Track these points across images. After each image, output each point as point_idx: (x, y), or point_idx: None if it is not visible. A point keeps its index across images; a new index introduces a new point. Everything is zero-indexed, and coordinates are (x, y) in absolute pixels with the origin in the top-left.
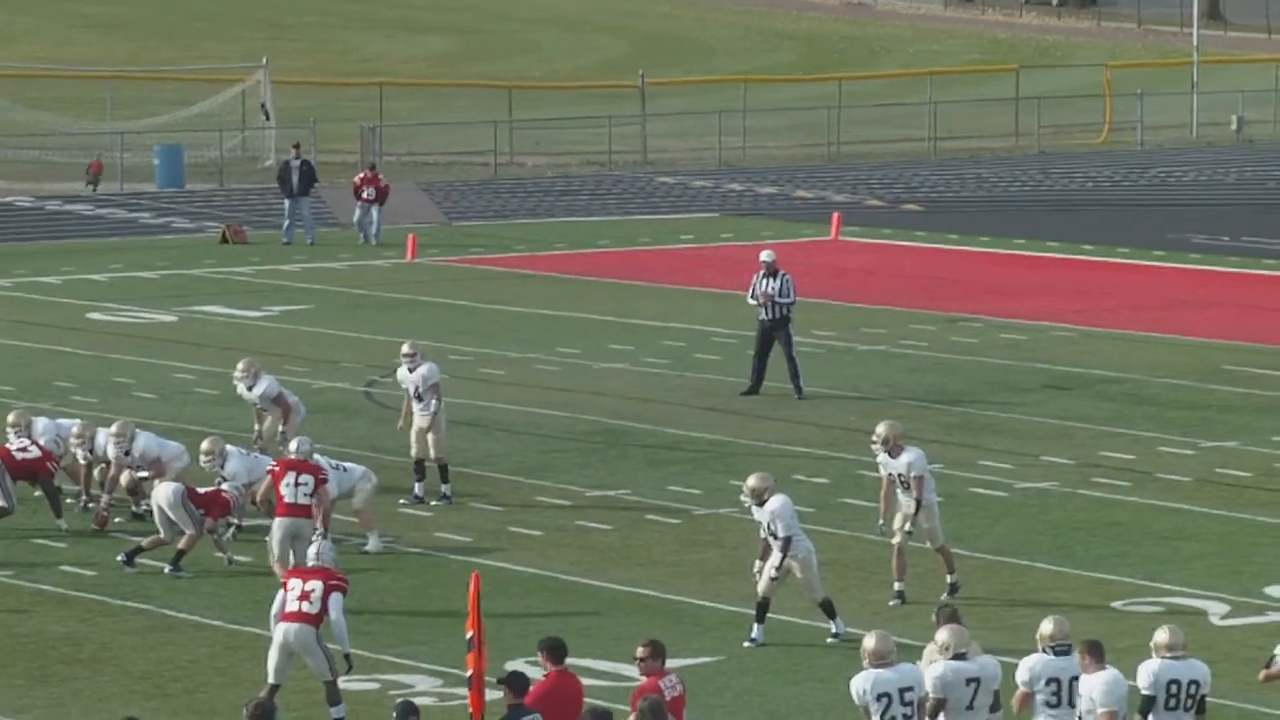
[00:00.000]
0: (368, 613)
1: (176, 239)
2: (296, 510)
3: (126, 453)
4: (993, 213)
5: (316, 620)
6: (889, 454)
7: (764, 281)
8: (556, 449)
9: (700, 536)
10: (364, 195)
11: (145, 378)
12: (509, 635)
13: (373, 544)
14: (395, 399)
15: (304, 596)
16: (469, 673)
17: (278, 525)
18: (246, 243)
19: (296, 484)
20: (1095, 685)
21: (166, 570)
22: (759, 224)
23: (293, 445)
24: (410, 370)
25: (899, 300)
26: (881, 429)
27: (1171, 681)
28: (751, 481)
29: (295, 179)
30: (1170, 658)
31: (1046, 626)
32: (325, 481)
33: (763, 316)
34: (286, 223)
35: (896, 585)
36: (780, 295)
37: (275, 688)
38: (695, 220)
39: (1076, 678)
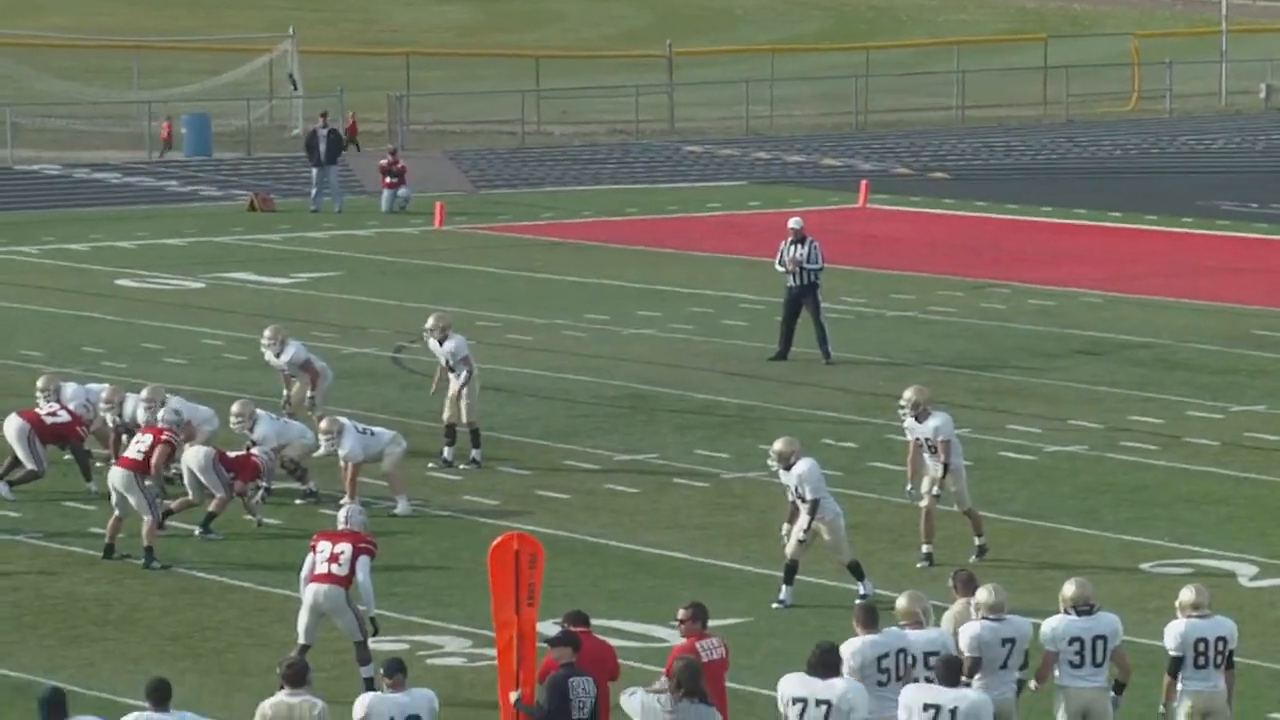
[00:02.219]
0: (397, 574)
1: (204, 207)
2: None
3: (157, 417)
4: (1021, 180)
5: (345, 582)
6: (916, 419)
7: (792, 248)
8: (584, 414)
9: (728, 500)
10: (388, 180)
11: (173, 343)
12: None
13: (402, 507)
14: (424, 364)
15: (333, 558)
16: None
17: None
18: (274, 210)
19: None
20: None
21: (197, 533)
22: (787, 192)
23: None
24: (439, 344)
25: (927, 267)
26: (909, 394)
27: (1199, 640)
28: (778, 445)
29: (323, 147)
30: (1196, 616)
31: (1069, 589)
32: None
33: (791, 283)
34: (314, 190)
35: (924, 548)
36: (808, 261)
37: (305, 648)
38: (723, 188)
39: (1100, 637)
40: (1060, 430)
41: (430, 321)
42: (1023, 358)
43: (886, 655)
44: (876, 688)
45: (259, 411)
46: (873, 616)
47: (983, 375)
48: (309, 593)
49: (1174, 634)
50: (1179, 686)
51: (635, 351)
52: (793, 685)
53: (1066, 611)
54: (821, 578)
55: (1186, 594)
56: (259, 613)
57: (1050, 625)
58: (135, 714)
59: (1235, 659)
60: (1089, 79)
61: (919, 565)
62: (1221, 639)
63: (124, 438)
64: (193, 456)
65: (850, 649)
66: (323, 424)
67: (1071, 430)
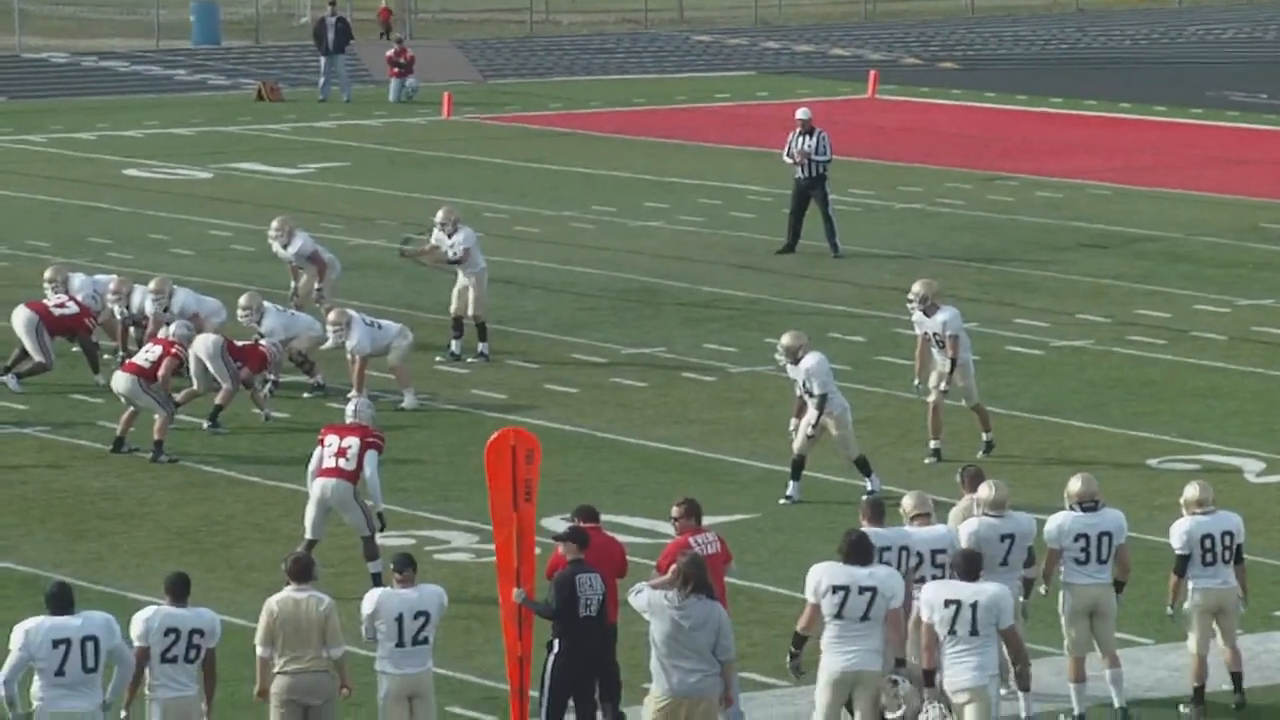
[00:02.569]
0: (405, 469)
1: (212, 96)
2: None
3: (165, 309)
4: (1030, 71)
5: (353, 476)
6: (925, 313)
7: (800, 139)
8: (592, 306)
9: (736, 394)
10: (395, 69)
11: (181, 234)
12: (544, 493)
13: (408, 401)
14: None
15: (340, 453)
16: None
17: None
18: (282, 100)
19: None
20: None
21: (204, 426)
22: (795, 82)
23: (349, 409)
24: (448, 236)
25: (935, 159)
26: (918, 287)
27: (1205, 536)
28: (786, 339)
29: (331, 36)
30: (1201, 513)
31: (1074, 484)
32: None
33: (799, 174)
34: (322, 80)
35: (932, 443)
36: (816, 153)
37: (313, 543)
38: (731, 78)
39: (1106, 533)
40: (1067, 324)
41: (440, 214)
42: (1030, 250)
43: (889, 549)
44: None
45: (266, 304)
46: (879, 511)
47: (990, 268)
48: (316, 487)
49: (1179, 532)
50: (1189, 585)
51: (643, 244)
52: (833, 574)
53: (1072, 508)
54: (828, 473)
55: (1190, 490)
56: (266, 507)
57: (1055, 522)
58: (152, 608)
59: (1243, 555)
60: None
61: (927, 461)
62: (1228, 534)
63: (131, 329)
64: (201, 344)
65: None
66: (330, 316)
67: (1078, 324)
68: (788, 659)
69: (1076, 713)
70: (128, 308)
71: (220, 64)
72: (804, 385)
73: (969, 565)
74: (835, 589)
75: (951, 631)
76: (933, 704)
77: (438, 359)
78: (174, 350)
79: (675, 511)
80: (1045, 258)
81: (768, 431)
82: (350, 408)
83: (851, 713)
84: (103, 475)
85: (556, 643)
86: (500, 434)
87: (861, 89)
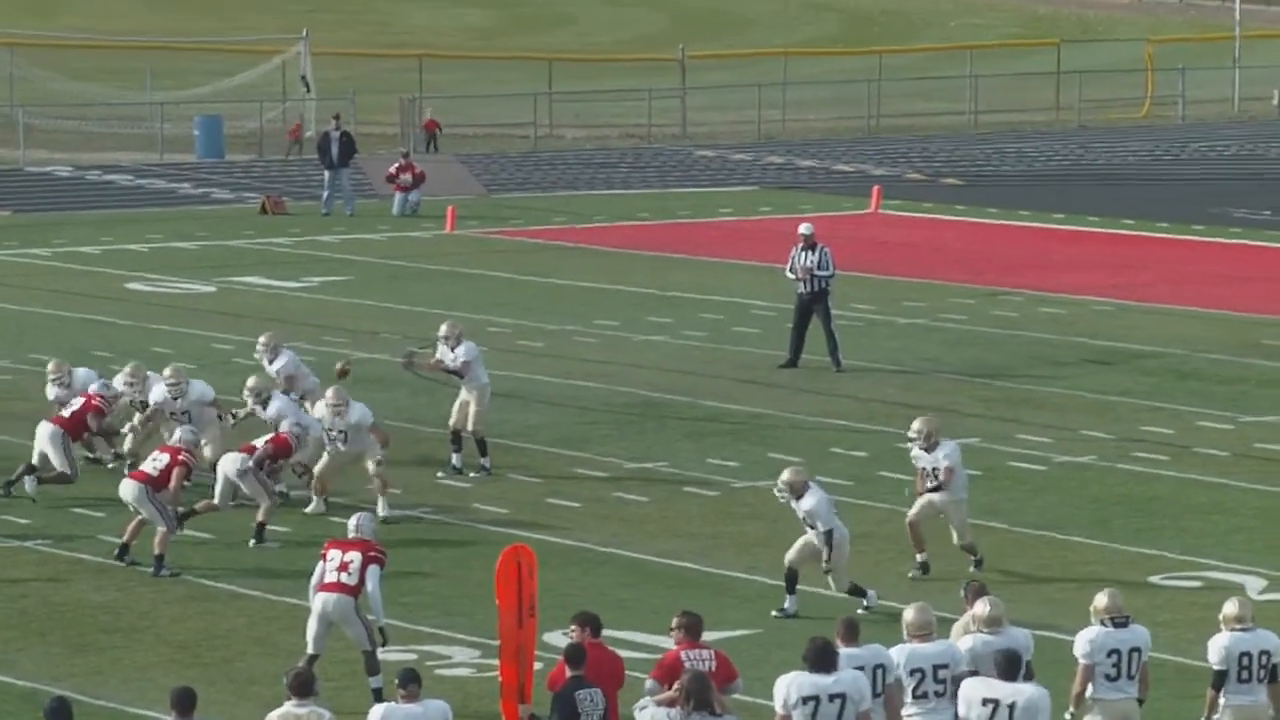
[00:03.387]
0: (407, 583)
1: (216, 209)
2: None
3: (177, 398)
4: (1033, 187)
5: (355, 591)
6: (925, 449)
7: (803, 254)
8: (594, 420)
9: (738, 509)
10: (399, 182)
11: (184, 348)
12: (546, 606)
13: (382, 509)
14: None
15: (343, 567)
16: (503, 644)
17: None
18: (286, 213)
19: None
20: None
21: (251, 544)
22: (798, 197)
23: (352, 523)
24: (450, 349)
25: (939, 274)
26: (919, 424)
27: (1243, 654)
28: (786, 476)
29: (335, 150)
30: (1240, 629)
31: (1101, 600)
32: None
33: (801, 290)
34: (326, 194)
35: (919, 556)
36: (819, 268)
37: (314, 658)
38: (734, 193)
39: (1136, 649)
40: (1071, 440)
41: (443, 328)
42: (1034, 366)
43: (863, 669)
44: None
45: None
46: (853, 631)
47: (994, 384)
48: (318, 601)
49: (1217, 647)
50: (1221, 701)
51: (646, 358)
52: (800, 685)
53: (1102, 623)
54: (826, 589)
55: (1230, 607)
56: (267, 621)
57: (1087, 637)
58: None
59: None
60: (1101, 85)
61: (911, 575)
62: (1265, 652)
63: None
64: (229, 463)
65: None
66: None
67: (1082, 440)
68: None
69: None
70: (143, 395)
71: (224, 178)
72: (806, 522)
73: (1009, 666)
74: (805, 700)
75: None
76: None
77: (440, 474)
78: (181, 457)
79: (674, 623)
80: (1049, 373)
81: (769, 546)
82: (353, 522)
83: None
84: (104, 589)
85: None
86: (507, 551)
87: (865, 204)
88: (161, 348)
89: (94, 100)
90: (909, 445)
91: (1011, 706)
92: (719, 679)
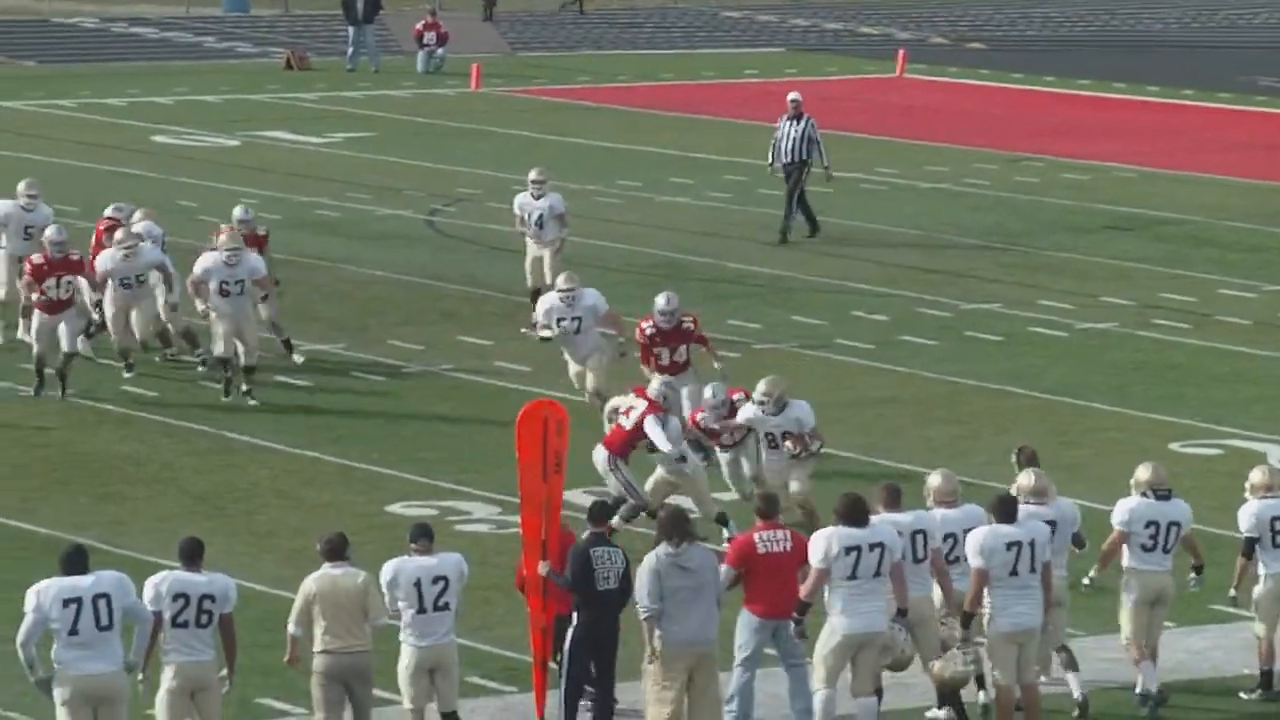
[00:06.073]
0: (425, 438)
1: (241, 64)
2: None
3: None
4: (1058, 52)
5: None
6: (774, 412)
7: (788, 124)
8: (617, 281)
9: (759, 370)
10: (425, 41)
11: (208, 201)
12: (569, 467)
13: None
14: (457, 228)
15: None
16: (525, 499)
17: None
18: (310, 69)
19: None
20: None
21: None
22: (824, 60)
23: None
24: (535, 197)
25: (962, 139)
26: (765, 386)
27: (1275, 519)
28: (765, 387)
29: (360, 5)
30: (1269, 497)
31: (1144, 472)
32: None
33: (785, 159)
34: (351, 49)
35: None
36: (802, 140)
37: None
38: (760, 55)
39: (1175, 523)
40: (1091, 307)
41: (534, 174)
42: (1055, 232)
43: (902, 535)
44: None
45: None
46: (896, 496)
47: (1014, 249)
48: None
49: (1248, 515)
50: (1259, 570)
51: (669, 219)
52: (842, 537)
53: (1144, 494)
54: (846, 450)
55: (1257, 475)
56: (289, 474)
57: (1126, 506)
58: (164, 573)
59: None
60: None
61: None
62: None
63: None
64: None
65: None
66: (561, 280)
67: (1102, 307)
68: (790, 626)
69: (1155, 690)
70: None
71: (249, 32)
72: (788, 431)
73: (1005, 508)
74: (848, 550)
75: (1013, 572)
76: (970, 647)
77: (523, 329)
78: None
79: (758, 505)
80: (1070, 240)
81: None
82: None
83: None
84: (127, 440)
85: (576, 615)
86: (532, 405)
87: (890, 68)
88: (186, 200)
89: None
90: (758, 409)
91: (1032, 544)
92: (796, 560)
